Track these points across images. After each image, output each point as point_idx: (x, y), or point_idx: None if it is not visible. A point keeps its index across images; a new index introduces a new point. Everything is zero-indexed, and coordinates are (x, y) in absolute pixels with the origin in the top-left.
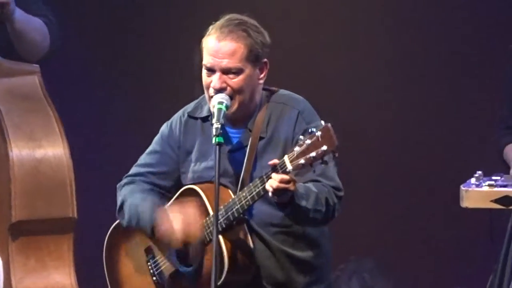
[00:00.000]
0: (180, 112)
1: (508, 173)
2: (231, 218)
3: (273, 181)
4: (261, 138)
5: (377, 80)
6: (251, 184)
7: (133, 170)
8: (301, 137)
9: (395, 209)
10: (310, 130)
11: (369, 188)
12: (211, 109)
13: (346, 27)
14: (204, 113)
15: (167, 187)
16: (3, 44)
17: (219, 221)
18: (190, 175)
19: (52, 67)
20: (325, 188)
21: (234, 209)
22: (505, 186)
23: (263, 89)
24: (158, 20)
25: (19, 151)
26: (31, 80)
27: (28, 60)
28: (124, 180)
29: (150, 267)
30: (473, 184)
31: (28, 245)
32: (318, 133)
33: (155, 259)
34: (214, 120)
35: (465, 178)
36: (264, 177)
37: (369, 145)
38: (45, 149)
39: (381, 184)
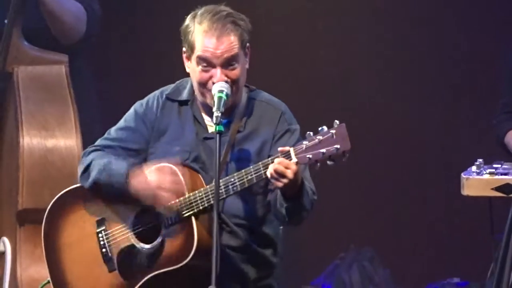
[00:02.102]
0: (157, 93)
1: (507, 158)
2: (209, 202)
3: (278, 166)
4: (238, 131)
5: (378, 71)
6: (242, 171)
7: (101, 142)
8: (310, 133)
9: (395, 198)
10: (321, 128)
11: (369, 178)
12: (204, 99)
13: (343, 24)
14: (184, 97)
15: (134, 164)
16: (39, 29)
17: (197, 203)
18: (160, 155)
19: None
20: (309, 191)
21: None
22: (506, 174)
23: None
24: (147, 12)
25: (30, 139)
26: (57, 70)
27: (63, 42)
28: (91, 148)
29: (101, 238)
30: (473, 172)
31: (36, 234)
32: (333, 131)
33: (108, 231)
34: (214, 109)
35: (465, 166)
36: (261, 165)
37: (368, 136)
38: (57, 139)
39: (382, 174)
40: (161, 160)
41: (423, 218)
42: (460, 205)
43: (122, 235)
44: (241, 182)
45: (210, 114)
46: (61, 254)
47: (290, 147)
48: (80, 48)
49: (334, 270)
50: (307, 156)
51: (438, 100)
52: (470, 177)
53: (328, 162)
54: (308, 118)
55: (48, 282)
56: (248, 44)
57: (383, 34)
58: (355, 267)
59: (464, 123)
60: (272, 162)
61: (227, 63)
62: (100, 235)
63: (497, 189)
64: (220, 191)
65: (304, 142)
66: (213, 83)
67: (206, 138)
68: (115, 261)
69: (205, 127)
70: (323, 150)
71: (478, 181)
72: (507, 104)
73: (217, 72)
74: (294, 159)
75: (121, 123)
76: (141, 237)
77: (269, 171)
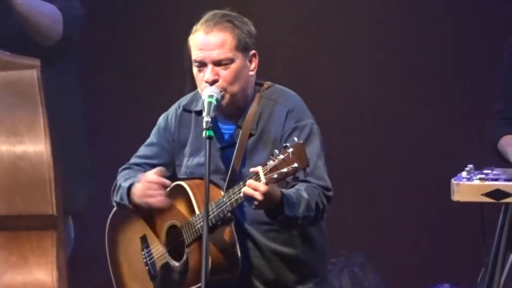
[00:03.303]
0: (176, 104)
1: (498, 164)
2: (215, 220)
3: (247, 189)
4: (251, 135)
5: (370, 76)
6: (230, 190)
7: (132, 160)
8: (276, 151)
9: (385, 204)
10: (284, 145)
11: (360, 183)
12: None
13: (341, 24)
14: (199, 107)
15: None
16: (12, 33)
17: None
18: (183, 169)
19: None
20: (316, 190)
21: (218, 211)
22: (496, 179)
23: (257, 83)
24: (146, 12)
25: None
26: (29, 75)
27: (42, 44)
28: (123, 167)
29: (144, 256)
30: (464, 177)
31: (10, 240)
32: (290, 150)
33: (149, 248)
34: (204, 114)
35: (455, 172)
36: (241, 184)
37: (359, 141)
38: (26, 145)
39: (372, 180)
40: (184, 176)
41: (413, 223)
42: (451, 210)
43: (159, 252)
44: (230, 202)
45: (225, 121)
46: (122, 268)
47: (260, 166)
48: (63, 50)
49: None
50: (273, 176)
51: (428, 105)
52: (460, 182)
53: (289, 180)
54: None
55: None
56: (253, 51)
57: (376, 37)
58: (346, 273)
59: (454, 128)
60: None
61: (219, 61)
62: (143, 252)
63: (488, 194)
64: (214, 212)
65: (269, 162)
66: (206, 82)
67: (222, 148)
68: (159, 279)
69: (221, 135)
70: (285, 170)
71: (469, 186)
72: (502, 110)
73: (208, 69)
74: (263, 180)
75: (149, 139)
76: (174, 254)
77: (242, 193)
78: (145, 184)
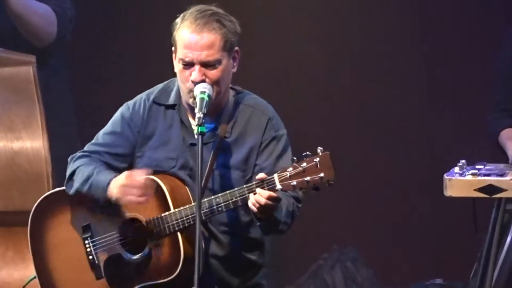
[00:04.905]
0: (143, 95)
1: (492, 159)
2: (190, 220)
3: (261, 198)
4: (225, 137)
5: (359, 74)
6: (227, 192)
7: (89, 147)
8: (295, 158)
9: (378, 199)
10: (305, 154)
11: (352, 178)
12: (187, 100)
13: (328, 22)
14: (171, 101)
15: (120, 169)
16: (7, 31)
17: (183, 221)
18: (146, 160)
19: None
20: (291, 199)
21: (209, 211)
22: (488, 175)
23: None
24: (137, 10)
25: None
26: (25, 71)
27: (36, 45)
28: (78, 154)
29: (87, 245)
30: (456, 173)
31: (6, 235)
32: (317, 159)
33: (94, 239)
34: (196, 110)
35: (448, 167)
36: (245, 189)
37: (351, 136)
38: (24, 141)
39: (364, 175)
40: (148, 167)
41: (406, 219)
42: (443, 206)
43: (108, 243)
44: (226, 203)
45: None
46: (48, 254)
47: (276, 172)
48: (55, 49)
49: (316, 271)
50: (291, 184)
51: (421, 101)
52: (453, 178)
53: (312, 190)
54: (294, 119)
55: (35, 277)
56: (237, 48)
57: (364, 34)
58: (338, 267)
59: (447, 124)
60: (255, 188)
61: (207, 62)
62: (86, 241)
63: (480, 190)
64: (205, 210)
65: (289, 169)
66: (192, 82)
67: (193, 145)
68: (102, 269)
69: (192, 132)
70: (307, 179)
71: (461, 182)
72: (501, 101)
73: (195, 69)
74: (279, 186)
75: (108, 127)
76: (128, 246)
77: (251, 202)
78: (134, 183)
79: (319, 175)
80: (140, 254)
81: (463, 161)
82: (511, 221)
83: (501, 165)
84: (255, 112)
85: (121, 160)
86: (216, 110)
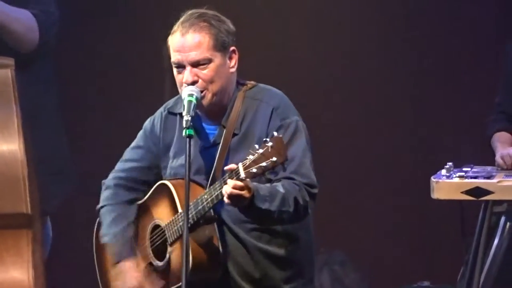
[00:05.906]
0: (162, 108)
1: (477, 162)
2: (196, 217)
3: (227, 187)
4: (234, 135)
5: (351, 75)
6: (211, 186)
7: (118, 165)
8: (256, 146)
9: (365, 201)
10: (264, 139)
11: (340, 181)
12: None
13: (324, 21)
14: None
15: (149, 182)
16: None
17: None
18: (168, 171)
19: None
20: (296, 187)
21: (197, 209)
22: (475, 177)
23: (240, 83)
24: (127, 12)
25: None
26: (4, 74)
27: (20, 51)
28: (110, 177)
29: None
30: (443, 175)
31: None
32: (269, 143)
33: (135, 249)
34: (184, 113)
35: (435, 170)
36: (221, 181)
37: (339, 138)
38: (0, 145)
39: (352, 177)
40: (169, 177)
41: (393, 221)
42: (430, 208)
43: (144, 252)
44: (210, 198)
45: (209, 121)
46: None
47: (240, 163)
48: (39, 54)
49: None
50: (251, 171)
51: (408, 102)
52: (440, 180)
53: (267, 175)
54: None
55: None
56: (233, 48)
57: (359, 35)
58: (325, 270)
59: (434, 126)
60: (224, 181)
61: (196, 62)
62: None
63: (467, 192)
64: (199, 208)
65: (249, 157)
66: (185, 83)
67: (205, 148)
68: (144, 279)
69: (205, 136)
70: (263, 164)
71: (448, 184)
72: (501, 103)
73: (186, 71)
74: (243, 175)
75: (134, 142)
76: (158, 253)
77: (223, 194)
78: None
79: (271, 159)
80: (163, 261)
81: (450, 163)
82: (498, 223)
83: (488, 168)
84: (261, 104)
85: (148, 173)
86: (220, 110)
